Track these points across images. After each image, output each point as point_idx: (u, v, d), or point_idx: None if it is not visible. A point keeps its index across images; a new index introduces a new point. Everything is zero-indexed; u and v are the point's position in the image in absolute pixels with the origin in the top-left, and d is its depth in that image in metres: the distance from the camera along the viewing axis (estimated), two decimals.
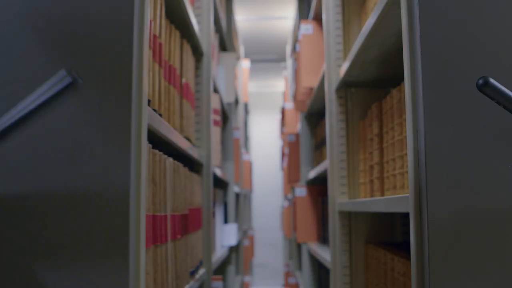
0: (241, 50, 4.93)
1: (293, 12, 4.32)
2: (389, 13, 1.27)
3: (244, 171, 4.97)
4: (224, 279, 3.30)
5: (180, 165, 1.48)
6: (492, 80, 0.86)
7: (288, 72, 4.64)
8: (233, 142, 3.49)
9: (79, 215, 0.90)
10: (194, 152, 1.76)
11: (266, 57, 6.58)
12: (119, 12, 0.94)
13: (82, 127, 0.91)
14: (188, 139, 1.74)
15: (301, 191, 3.30)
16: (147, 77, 0.98)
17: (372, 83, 1.92)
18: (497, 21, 0.97)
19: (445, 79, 0.95)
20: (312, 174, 3.05)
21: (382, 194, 1.52)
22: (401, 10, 1.04)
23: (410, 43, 0.99)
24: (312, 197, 3.30)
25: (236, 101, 4.58)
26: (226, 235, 3.20)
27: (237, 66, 4.80)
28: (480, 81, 0.87)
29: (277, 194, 7.96)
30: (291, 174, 3.66)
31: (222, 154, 3.29)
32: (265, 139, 8.27)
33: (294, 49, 3.98)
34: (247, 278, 4.84)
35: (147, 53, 0.99)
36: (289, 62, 4.54)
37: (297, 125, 3.96)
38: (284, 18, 5.25)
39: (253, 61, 6.71)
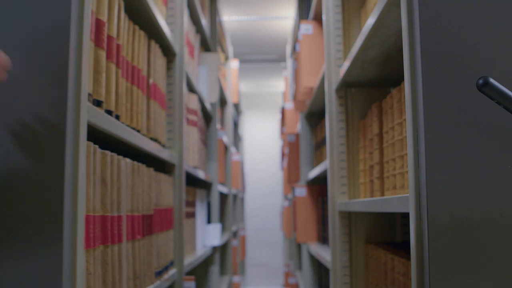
0: (230, 50, 4.94)
1: (293, 12, 4.33)
2: (389, 13, 1.27)
3: (233, 171, 4.97)
4: (207, 280, 3.30)
5: (142, 165, 1.48)
6: (492, 80, 0.86)
7: (288, 72, 4.64)
8: (217, 143, 3.48)
9: (13, 212, 0.89)
10: (162, 153, 1.78)
11: (266, 57, 6.58)
12: (55, 12, 0.93)
13: (16, 127, 0.90)
14: (155, 140, 1.74)
15: (301, 191, 3.30)
16: (86, 78, 0.98)
17: (372, 83, 1.93)
18: (497, 21, 0.97)
19: (445, 79, 0.95)
20: (312, 174, 3.05)
21: (382, 194, 1.52)
22: (401, 10, 1.04)
23: (410, 43, 0.99)
24: (312, 197, 3.30)
25: (224, 102, 4.61)
26: (209, 235, 3.19)
27: (226, 67, 4.82)
28: (480, 81, 0.87)
29: (277, 194, 7.97)
30: (291, 174, 3.66)
31: (206, 154, 3.30)
32: (265, 139, 8.27)
33: (294, 49, 3.98)
34: (236, 279, 4.85)
35: (87, 54, 0.98)
36: (289, 62, 4.54)
37: (297, 125, 3.96)
38: (284, 18, 5.25)
39: (252, 61, 6.72)
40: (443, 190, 0.93)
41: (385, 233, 1.93)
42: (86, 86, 0.98)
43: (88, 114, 1.02)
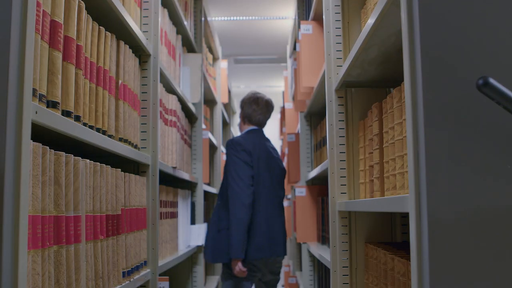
0: (219, 50, 4.95)
1: (293, 12, 4.33)
2: (389, 13, 1.27)
3: (222, 171, 4.97)
4: (191, 280, 3.30)
5: (106, 166, 1.48)
6: (492, 80, 0.86)
7: (288, 72, 4.64)
8: (202, 143, 3.49)
9: None
10: (132, 154, 1.79)
11: (266, 57, 6.58)
12: None
13: None
14: (125, 140, 1.75)
15: (301, 191, 3.30)
16: (30, 78, 0.97)
17: (372, 83, 1.93)
18: (497, 21, 0.97)
19: (445, 79, 0.95)
20: (312, 174, 3.05)
21: (382, 194, 1.52)
22: (401, 10, 1.04)
23: (410, 43, 0.99)
24: (312, 197, 3.30)
25: (214, 102, 4.62)
26: (193, 235, 3.19)
27: (215, 67, 4.83)
28: (480, 81, 0.87)
29: None
30: (291, 174, 3.66)
31: (190, 154, 3.30)
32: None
33: (294, 49, 3.98)
34: None
35: (31, 53, 0.97)
36: (289, 62, 4.54)
37: (297, 125, 3.96)
38: (284, 18, 5.26)
39: (253, 61, 6.72)
40: (443, 190, 0.93)
41: (385, 233, 1.93)
42: (30, 86, 0.97)
43: (37, 115, 1.02)
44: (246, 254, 2.96)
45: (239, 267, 2.93)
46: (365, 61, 1.67)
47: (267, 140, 3.26)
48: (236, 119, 7.83)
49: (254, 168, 3.03)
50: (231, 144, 3.06)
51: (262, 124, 3.30)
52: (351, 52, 1.67)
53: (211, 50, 4.77)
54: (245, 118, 3.27)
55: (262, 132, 3.29)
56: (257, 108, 3.25)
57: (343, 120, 1.95)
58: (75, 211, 1.24)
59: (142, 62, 2.06)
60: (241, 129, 3.35)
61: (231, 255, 2.92)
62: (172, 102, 2.56)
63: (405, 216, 1.91)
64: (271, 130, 8.24)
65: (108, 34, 1.59)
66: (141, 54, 2.05)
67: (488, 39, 0.96)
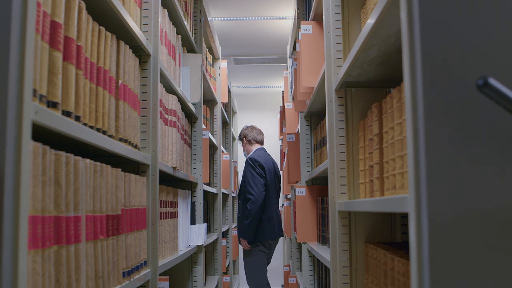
0: (219, 50, 4.96)
1: (293, 12, 4.33)
2: (389, 13, 1.27)
3: (224, 171, 4.99)
4: (191, 280, 3.31)
5: (107, 166, 1.48)
6: (491, 80, 0.86)
7: (288, 72, 4.64)
8: (202, 143, 3.50)
9: None
10: (132, 154, 1.79)
11: (266, 57, 6.58)
12: None
13: None
14: (125, 140, 1.75)
15: (301, 191, 3.30)
16: (30, 78, 0.97)
17: (372, 83, 1.93)
18: (497, 21, 0.97)
19: (445, 79, 0.95)
20: (312, 174, 3.05)
21: (382, 194, 1.52)
22: (401, 10, 1.04)
23: (410, 43, 0.99)
24: (312, 197, 3.30)
25: (215, 102, 4.62)
26: (193, 235, 3.21)
27: (215, 67, 4.84)
28: (480, 81, 0.87)
29: None
30: (291, 174, 3.66)
31: (190, 154, 3.32)
32: (264, 139, 8.27)
33: (294, 49, 3.98)
34: (226, 278, 4.88)
35: (31, 53, 0.97)
36: (289, 62, 4.54)
37: (297, 125, 3.96)
38: (284, 18, 5.26)
39: (253, 61, 6.71)
40: (443, 190, 0.93)
41: (385, 233, 1.93)
42: (30, 86, 0.97)
43: (37, 115, 1.01)
44: (264, 236, 4.38)
45: (245, 244, 4.36)
46: (365, 61, 1.67)
47: (270, 155, 4.64)
48: (236, 119, 7.84)
49: (266, 178, 4.39)
50: (250, 161, 4.42)
51: (263, 142, 4.71)
52: (351, 52, 1.68)
53: (211, 50, 4.77)
54: (252, 140, 4.64)
55: (265, 149, 4.66)
56: (256, 132, 4.69)
57: (343, 120, 1.96)
58: (75, 211, 1.24)
59: (142, 62, 2.06)
60: (248, 150, 4.67)
61: (244, 236, 4.34)
62: (172, 102, 2.56)
63: (405, 216, 1.91)
64: (271, 130, 8.25)
65: (108, 34, 1.59)
66: (141, 54, 2.05)
67: (488, 39, 0.96)
